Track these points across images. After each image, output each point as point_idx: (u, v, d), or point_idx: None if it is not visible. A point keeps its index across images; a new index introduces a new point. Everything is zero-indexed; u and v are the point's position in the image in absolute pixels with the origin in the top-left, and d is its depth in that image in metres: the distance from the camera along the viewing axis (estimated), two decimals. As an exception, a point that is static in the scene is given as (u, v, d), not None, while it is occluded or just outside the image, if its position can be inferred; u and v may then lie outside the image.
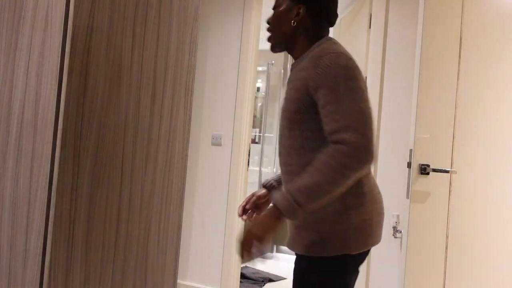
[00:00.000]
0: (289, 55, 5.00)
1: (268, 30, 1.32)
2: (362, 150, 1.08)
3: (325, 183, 1.07)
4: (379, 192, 1.28)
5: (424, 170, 2.04)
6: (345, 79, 1.12)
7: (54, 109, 1.25)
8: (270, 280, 3.78)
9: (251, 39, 3.03)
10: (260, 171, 4.79)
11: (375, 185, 1.26)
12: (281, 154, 1.27)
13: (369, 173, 1.25)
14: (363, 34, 2.86)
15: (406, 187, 2.11)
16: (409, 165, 2.05)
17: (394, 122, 2.72)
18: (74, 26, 1.26)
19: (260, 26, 3.12)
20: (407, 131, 2.66)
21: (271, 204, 1.16)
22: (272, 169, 4.88)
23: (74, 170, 1.28)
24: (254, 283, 3.63)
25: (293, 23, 1.27)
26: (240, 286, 3.53)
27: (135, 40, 1.47)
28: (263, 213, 1.12)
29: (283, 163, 1.27)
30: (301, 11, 1.26)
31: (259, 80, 5.02)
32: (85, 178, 1.32)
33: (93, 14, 1.32)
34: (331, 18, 1.30)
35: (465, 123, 2.10)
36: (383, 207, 1.27)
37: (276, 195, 1.10)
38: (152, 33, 1.55)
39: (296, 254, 1.26)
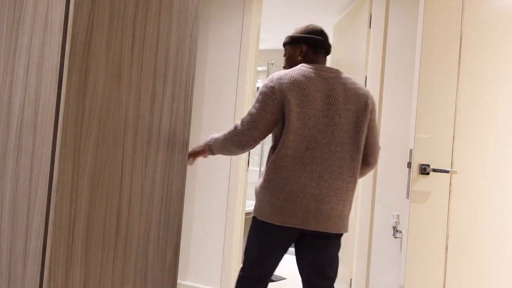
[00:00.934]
0: (289, 55, 5.01)
1: (285, 68, 1.98)
2: (239, 135, 1.77)
3: (220, 142, 1.83)
4: (289, 184, 1.75)
5: (424, 170, 2.04)
6: (259, 93, 1.80)
7: (54, 109, 1.25)
8: (270, 280, 3.78)
9: (251, 39, 3.03)
10: (260, 171, 4.79)
11: (285, 177, 1.75)
12: None
13: (281, 167, 1.75)
14: (363, 34, 2.86)
15: (406, 187, 2.11)
16: (409, 165, 2.05)
17: (394, 122, 2.72)
18: (74, 26, 1.26)
19: (260, 26, 3.12)
20: (407, 131, 2.66)
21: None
22: (272, 169, 4.88)
23: (74, 170, 1.28)
24: (254, 283, 3.63)
25: (300, 58, 1.90)
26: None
27: (135, 40, 1.48)
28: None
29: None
30: (303, 48, 1.89)
31: (259, 80, 5.02)
32: (85, 178, 1.33)
33: (93, 14, 1.32)
34: (326, 47, 1.91)
35: (465, 123, 2.10)
36: (289, 197, 1.74)
37: (207, 138, 1.93)
38: (152, 33, 1.55)
39: None
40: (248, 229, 4.30)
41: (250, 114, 1.77)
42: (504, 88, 2.11)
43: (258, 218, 1.80)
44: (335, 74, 1.83)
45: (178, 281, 3.21)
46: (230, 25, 3.13)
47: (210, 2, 3.23)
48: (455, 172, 2.06)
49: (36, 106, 1.27)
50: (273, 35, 4.55)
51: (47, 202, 1.23)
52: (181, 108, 1.71)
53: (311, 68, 1.80)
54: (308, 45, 1.87)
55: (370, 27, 2.81)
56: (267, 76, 4.89)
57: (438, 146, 2.08)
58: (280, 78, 1.76)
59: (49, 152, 1.24)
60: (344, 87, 1.81)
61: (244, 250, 1.91)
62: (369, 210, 2.73)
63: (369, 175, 2.74)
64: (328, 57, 4.93)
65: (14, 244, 1.28)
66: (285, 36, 2.06)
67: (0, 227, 1.31)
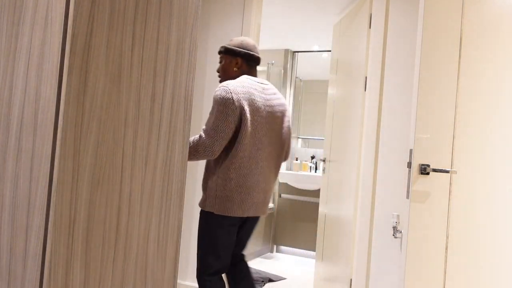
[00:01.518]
0: (288, 56, 5.00)
1: (219, 76, 2.22)
2: (210, 146, 1.96)
3: (189, 154, 1.97)
4: (247, 181, 2.04)
5: (424, 170, 2.04)
6: (219, 104, 2.01)
7: (54, 109, 1.25)
8: (270, 280, 3.78)
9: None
10: (260, 171, 4.79)
11: (244, 175, 2.03)
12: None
13: (240, 167, 2.02)
14: (363, 34, 2.86)
15: (406, 187, 2.11)
16: (409, 165, 2.05)
17: (394, 122, 2.72)
18: (74, 26, 1.26)
19: (260, 26, 3.12)
20: (407, 131, 2.66)
21: None
22: (272, 169, 4.88)
23: (74, 169, 1.28)
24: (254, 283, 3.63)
25: (235, 69, 2.17)
26: (240, 286, 3.51)
27: (135, 40, 1.48)
28: None
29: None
30: (238, 61, 2.17)
31: (259, 80, 5.02)
32: (85, 178, 1.33)
33: (93, 14, 1.32)
34: (257, 61, 2.22)
35: (465, 123, 2.10)
36: (247, 192, 2.04)
37: None
38: (152, 33, 1.55)
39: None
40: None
41: (215, 125, 1.98)
42: (504, 88, 2.11)
43: (216, 213, 2.04)
44: (269, 85, 2.22)
45: (178, 281, 3.21)
46: (230, 25, 3.13)
47: (210, 2, 3.23)
48: (455, 172, 2.06)
49: (36, 106, 1.27)
50: (273, 35, 4.55)
51: (47, 202, 1.23)
52: (181, 108, 1.71)
53: (254, 81, 2.14)
54: (243, 59, 2.17)
55: (370, 27, 2.81)
56: (267, 76, 4.88)
57: (438, 146, 2.08)
58: (235, 89, 2.02)
59: (49, 152, 1.24)
60: (274, 97, 2.19)
61: (201, 250, 2.10)
62: (369, 210, 2.73)
63: (369, 175, 2.74)
64: (328, 57, 4.93)
65: (14, 244, 1.28)
66: (221, 46, 2.24)
67: (0, 227, 1.31)
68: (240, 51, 2.16)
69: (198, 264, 2.12)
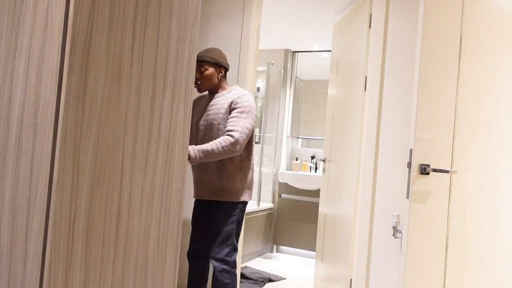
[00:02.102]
0: (288, 56, 5.00)
1: (197, 83, 2.45)
2: (240, 145, 2.26)
3: (218, 154, 2.22)
4: (253, 177, 2.48)
5: (424, 170, 2.04)
6: (250, 109, 2.35)
7: (54, 109, 1.25)
8: (270, 280, 3.78)
9: (251, 39, 3.02)
10: (260, 171, 4.79)
11: (253, 169, 2.48)
12: (208, 138, 2.42)
13: (253, 168, 2.48)
14: (363, 34, 2.86)
15: (406, 187, 2.11)
16: (409, 165, 2.05)
17: (394, 122, 2.72)
18: (74, 26, 1.26)
19: (260, 26, 3.12)
20: (407, 131, 2.66)
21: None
22: (272, 169, 4.87)
23: (74, 169, 1.28)
24: (254, 283, 3.63)
25: (218, 79, 2.47)
26: (240, 286, 3.52)
27: (135, 40, 1.48)
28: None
29: (207, 140, 2.42)
30: (222, 71, 2.47)
31: (259, 80, 5.02)
32: (85, 178, 1.33)
33: (93, 14, 1.32)
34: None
35: (465, 123, 2.10)
36: (253, 182, 2.50)
37: (189, 147, 2.14)
38: (152, 33, 1.55)
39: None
40: (247, 228, 4.30)
41: (248, 127, 2.30)
42: (504, 88, 2.11)
43: (247, 200, 2.45)
44: None
45: (179, 281, 3.21)
46: (230, 25, 3.13)
47: (210, 2, 3.23)
48: (455, 172, 2.06)
49: (36, 106, 1.27)
50: (273, 35, 4.55)
51: (47, 202, 1.23)
52: (181, 108, 1.71)
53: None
54: (225, 70, 2.48)
55: (370, 27, 2.81)
56: (267, 76, 4.88)
57: (438, 146, 2.08)
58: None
59: (49, 152, 1.24)
60: None
61: (231, 238, 2.37)
62: (369, 210, 2.73)
63: (369, 175, 2.74)
64: (328, 57, 4.93)
65: (14, 244, 1.28)
66: (207, 55, 2.41)
67: (0, 227, 1.31)
68: (223, 62, 2.46)
69: (228, 256, 2.35)
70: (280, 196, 4.78)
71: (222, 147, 2.20)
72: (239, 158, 2.39)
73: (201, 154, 2.16)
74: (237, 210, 2.38)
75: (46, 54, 1.27)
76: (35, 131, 1.27)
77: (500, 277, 2.07)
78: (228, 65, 2.49)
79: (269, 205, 4.73)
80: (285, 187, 4.76)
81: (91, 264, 1.36)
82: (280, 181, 4.77)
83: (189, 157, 2.13)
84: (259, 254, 4.61)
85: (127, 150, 1.46)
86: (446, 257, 2.07)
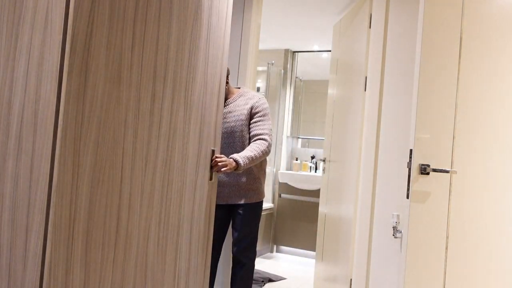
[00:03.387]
0: (288, 56, 5.00)
1: None
2: (270, 146, 2.39)
3: (259, 158, 2.33)
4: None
5: (424, 170, 2.04)
6: (268, 110, 2.49)
7: (54, 109, 1.25)
8: (270, 280, 3.78)
9: (251, 39, 3.02)
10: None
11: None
12: (231, 146, 2.47)
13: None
14: (363, 34, 2.86)
15: (406, 187, 2.11)
16: (409, 165, 2.06)
17: (394, 122, 2.72)
18: (74, 26, 1.26)
19: (260, 26, 3.12)
20: (407, 131, 2.66)
21: (231, 159, 2.17)
22: (272, 169, 4.88)
23: (74, 170, 1.28)
24: (254, 283, 3.63)
25: (226, 84, 2.47)
26: (240, 286, 3.51)
27: (135, 40, 1.47)
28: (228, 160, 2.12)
29: (239, 148, 2.46)
30: (228, 78, 2.49)
31: (259, 80, 5.02)
32: (85, 178, 1.32)
33: (93, 14, 1.32)
34: None
35: (465, 123, 2.10)
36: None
37: (235, 156, 2.21)
38: (152, 33, 1.55)
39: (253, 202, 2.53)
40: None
41: (271, 131, 2.46)
42: (504, 87, 2.11)
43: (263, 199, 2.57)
44: None
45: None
46: (230, 25, 3.13)
47: (210, 2, 3.22)
48: (455, 172, 2.06)
49: (36, 106, 1.27)
50: (273, 35, 4.55)
51: (47, 202, 1.23)
52: (181, 108, 1.71)
53: None
54: (227, 75, 2.50)
55: (370, 27, 2.81)
56: (267, 76, 4.88)
57: (438, 146, 2.08)
58: None
59: (49, 152, 1.24)
60: None
61: (254, 236, 2.50)
62: (369, 210, 2.73)
63: (369, 175, 2.74)
64: (328, 57, 4.93)
65: (14, 244, 1.28)
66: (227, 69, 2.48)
67: (0, 227, 1.31)
68: (228, 71, 2.53)
69: (254, 259, 2.50)
70: (280, 196, 4.78)
71: (262, 151, 2.34)
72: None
73: (247, 161, 2.25)
74: (261, 208, 2.55)
75: (46, 54, 1.27)
76: (35, 131, 1.27)
77: (500, 277, 2.07)
78: (228, 69, 2.55)
79: (269, 205, 4.73)
80: (285, 187, 4.76)
81: (91, 264, 1.36)
82: (280, 181, 4.77)
83: (238, 166, 2.18)
84: (259, 254, 4.61)
85: (127, 150, 1.46)
86: (446, 257, 2.07)
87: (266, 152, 2.38)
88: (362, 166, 2.79)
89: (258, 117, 2.44)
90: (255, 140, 2.40)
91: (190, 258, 1.83)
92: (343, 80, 3.23)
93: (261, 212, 2.56)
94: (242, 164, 2.21)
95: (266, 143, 2.39)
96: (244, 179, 2.47)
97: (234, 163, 2.15)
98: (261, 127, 2.43)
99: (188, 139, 1.78)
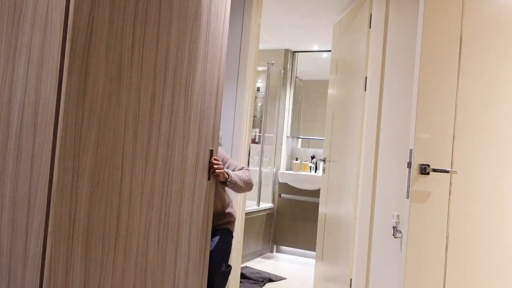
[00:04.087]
0: (288, 56, 5.00)
1: None
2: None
3: (244, 179, 2.27)
4: None
5: (424, 170, 2.04)
6: None
7: (54, 109, 1.25)
8: (270, 280, 3.78)
9: (251, 39, 3.02)
10: (260, 171, 4.79)
11: None
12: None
13: None
14: (363, 34, 2.86)
15: (406, 187, 2.11)
16: (409, 165, 2.06)
17: (394, 122, 2.72)
18: (74, 26, 1.26)
19: (260, 26, 3.12)
20: (407, 131, 2.66)
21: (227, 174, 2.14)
22: (272, 169, 4.88)
23: (74, 170, 1.28)
24: (254, 283, 3.63)
25: None
26: (240, 286, 3.52)
27: (135, 40, 1.47)
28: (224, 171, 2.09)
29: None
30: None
31: (259, 80, 5.02)
32: (85, 178, 1.32)
33: (93, 14, 1.32)
34: None
35: (465, 123, 2.10)
36: None
37: (228, 170, 2.20)
38: (152, 33, 1.55)
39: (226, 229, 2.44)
40: (247, 228, 4.30)
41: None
42: (504, 87, 2.11)
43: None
44: None
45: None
46: (230, 25, 3.13)
47: (210, 2, 3.22)
48: (455, 172, 2.06)
49: (36, 106, 1.27)
50: (273, 35, 4.55)
51: (47, 202, 1.23)
52: (181, 108, 1.71)
53: None
54: None
55: (370, 27, 2.81)
56: (267, 76, 4.88)
57: (438, 146, 2.08)
58: None
59: (49, 152, 1.24)
60: None
61: (227, 263, 2.38)
62: (369, 210, 2.73)
63: (369, 175, 2.74)
64: (328, 57, 4.93)
65: (14, 244, 1.28)
66: None
67: (0, 227, 1.31)
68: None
69: (224, 281, 2.36)
70: (280, 196, 4.78)
71: (250, 179, 2.32)
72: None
73: (237, 179, 2.20)
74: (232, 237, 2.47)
75: (46, 54, 1.27)
76: (35, 131, 1.27)
77: (500, 277, 2.07)
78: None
79: (269, 205, 4.73)
80: (285, 187, 4.75)
81: (91, 264, 1.36)
82: (280, 181, 4.77)
83: (228, 179, 2.12)
84: (259, 254, 4.61)
85: (127, 150, 1.46)
86: (446, 257, 2.07)
87: (252, 183, 2.33)
88: (362, 166, 2.78)
89: (228, 163, 2.37)
90: (240, 169, 2.34)
91: (190, 258, 1.83)
92: (343, 80, 3.23)
93: (232, 240, 2.47)
94: (232, 178, 2.17)
95: (248, 172, 2.34)
96: (220, 203, 2.40)
97: (226, 175, 2.10)
98: (236, 162, 2.40)
99: (188, 139, 1.78)
